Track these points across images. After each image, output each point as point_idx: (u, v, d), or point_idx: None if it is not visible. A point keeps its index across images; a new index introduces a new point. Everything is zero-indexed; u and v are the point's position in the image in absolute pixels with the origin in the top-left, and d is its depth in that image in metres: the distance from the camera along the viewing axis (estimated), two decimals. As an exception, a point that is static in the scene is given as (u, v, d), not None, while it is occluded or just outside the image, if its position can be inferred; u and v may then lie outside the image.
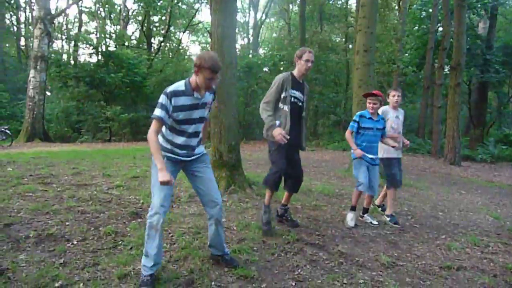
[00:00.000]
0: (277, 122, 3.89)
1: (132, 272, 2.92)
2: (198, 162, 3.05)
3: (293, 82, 3.99)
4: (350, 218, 4.63)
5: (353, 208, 4.70)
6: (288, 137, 3.71)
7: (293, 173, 4.14)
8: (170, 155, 2.93)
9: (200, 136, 3.04)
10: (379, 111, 4.78)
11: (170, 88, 2.78)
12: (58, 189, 5.15)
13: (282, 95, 3.95)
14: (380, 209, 5.33)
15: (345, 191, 6.73)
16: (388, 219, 4.89)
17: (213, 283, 2.88)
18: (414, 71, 19.03)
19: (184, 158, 2.97)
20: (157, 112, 2.73)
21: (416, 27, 19.03)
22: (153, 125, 2.74)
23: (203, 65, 2.71)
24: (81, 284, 2.71)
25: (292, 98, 3.96)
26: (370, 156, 4.56)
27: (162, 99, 2.74)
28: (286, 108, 3.94)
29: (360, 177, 4.54)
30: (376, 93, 4.58)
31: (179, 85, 2.82)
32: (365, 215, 4.87)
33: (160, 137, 2.89)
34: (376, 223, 4.72)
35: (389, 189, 4.97)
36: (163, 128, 2.88)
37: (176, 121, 2.83)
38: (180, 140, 2.90)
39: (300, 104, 4.06)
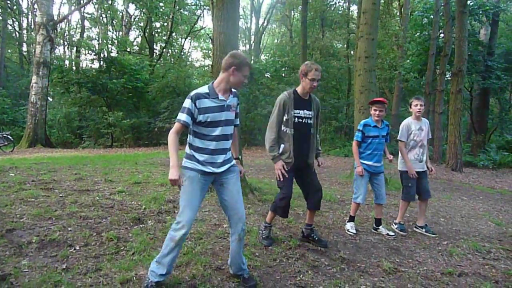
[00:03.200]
0: (281, 147, 3.76)
1: (134, 278, 2.92)
2: (228, 173, 2.97)
3: (296, 102, 3.77)
4: (350, 227, 4.64)
5: (351, 219, 4.71)
6: (287, 169, 3.68)
7: (310, 191, 3.92)
8: (199, 167, 2.84)
9: (230, 142, 2.99)
10: (401, 126, 4.79)
11: (193, 92, 2.81)
12: (60, 195, 5.16)
13: (284, 118, 3.74)
14: (424, 230, 4.87)
15: (346, 197, 6.73)
16: (396, 226, 4.88)
17: (215, 288, 2.89)
18: (416, 77, 19.02)
19: (215, 169, 2.87)
20: (181, 116, 2.74)
21: (418, 33, 19.06)
22: (175, 127, 2.76)
23: (244, 61, 2.81)
24: (84, 289, 2.72)
25: (296, 119, 3.75)
26: (376, 164, 4.53)
27: (186, 103, 2.74)
28: (289, 131, 3.73)
29: (359, 190, 4.54)
30: (382, 100, 4.52)
31: (203, 88, 2.85)
32: (380, 227, 4.72)
33: (191, 151, 2.87)
34: (393, 234, 4.58)
35: (403, 200, 4.89)
36: (191, 139, 2.87)
37: (203, 124, 2.80)
38: (210, 144, 2.84)
39: (307, 121, 3.82)
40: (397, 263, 3.72)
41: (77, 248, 3.43)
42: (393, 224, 4.96)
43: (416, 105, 4.74)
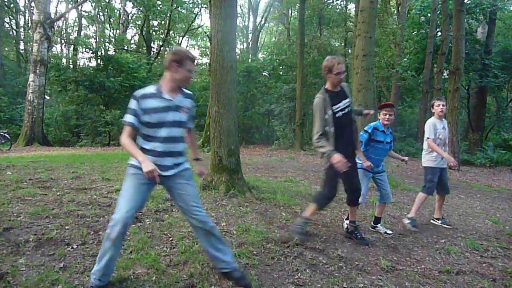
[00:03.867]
0: (331, 148, 3.75)
1: (132, 276, 2.91)
2: (179, 178, 2.82)
3: (331, 99, 3.79)
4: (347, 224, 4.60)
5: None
6: (350, 165, 3.67)
7: (351, 186, 3.99)
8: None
9: (180, 145, 2.82)
10: (427, 125, 4.89)
11: (138, 91, 2.72)
12: (58, 193, 5.15)
13: (326, 118, 3.76)
14: (440, 222, 5.23)
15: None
16: (408, 221, 4.94)
17: (213, 287, 2.88)
18: (413, 76, 19.08)
19: (162, 172, 2.67)
20: (127, 117, 2.65)
21: (415, 32, 19.11)
22: (124, 130, 2.65)
23: (186, 56, 2.69)
24: (81, 288, 2.71)
25: (339, 113, 3.79)
26: (375, 169, 4.51)
27: (131, 103, 2.66)
28: (329, 129, 3.76)
29: (361, 189, 4.46)
30: (391, 104, 4.58)
31: (149, 88, 2.76)
32: (378, 225, 4.72)
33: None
34: (391, 232, 4.60)
35: (424, 193, 5.01)
36: (139, 140, 2.75)
37: (148, 125, 2.68)
38: (157, 147, 2.70)
39: (348, 110, 3.86)
40: (395, 261, 3.73)
41: (75, 246, 3.42)
42: (405, 219, 5.03)
43: (439, 105, 4.94)
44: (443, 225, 5.13)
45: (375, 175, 4.58)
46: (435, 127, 4.92)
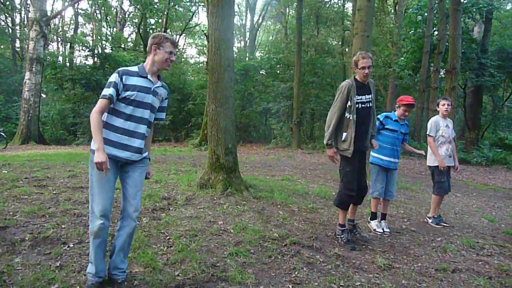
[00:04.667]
0: (343, 135, 3.86)
1: (129, 275, 2.91)
2: (138, 163, 2.80)
3: (357, 88, 3.88)
4: (376, 225, 4.66)
5: (373, 216, 4.73)
6: (337, 161, 3.86)
7: (359, 185, 4.00)
8: (115, 152, 2.64)
9: (148, 130, 2.80)
10: (429, 122, 5.02)
11: (122, 68, 2.71)
12: (54, 192, 5.13)
13: (348, 104, 3.84)
14: (430, 221, 5.27)
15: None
16: (430, 220, 5.11)
17: (209, 283, 2.88)
18: (410, 75, 19.11)
19: (129, 154, 2.69)
20: (106, 91, 2.59)
21: (412, 31, 19.14)
22: (99, 104, 2.58)
23: (163, 38, 2.73)
24: (78, 287, 2.70)
25: (359, 105, 3.87)
26: (391, 159, 4.56)
27: (112, 77, 2.63)
28: (351, 117, 3.84)
29: (377, 185, 4.58)
30: (413, 104, 4.64)
31: (132, 67, 2.77)
32: (382, 222, 4.75)
33: (105, 131, 2.64)
34: (388, 230, 4.63)
35: (436, 195, 5.11)
36: (107, 117, 2.67)
37: (127, 101, 2.65)
38: (129, 125, 2.67)
39: (368, 105, 3.95)
40: (391, 259, 3.74)
41: (71, 245, 3.41)
42: (427, 218, 5.16)
43: (444, 104, 5.04)
44: (432, 224, 5.12)
45: (388, 172, 4.62)
46: (437, 125, 5.02)
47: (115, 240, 2.79)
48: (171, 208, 4.80)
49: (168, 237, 3.80)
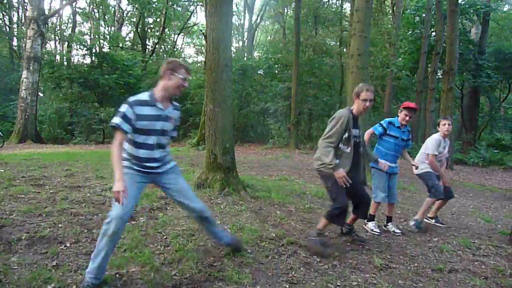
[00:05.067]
0: (337, 161, 3.62)
1: (126, 275, 2.90)
2: (168, 174, 2.98)
3: (353, 121, 3.75)
4: (373, 226, 4.65)
5: (372, 218, 4.69)
6: (351, 182, 3.55)
7: (361, 201, 3.92)
8: (137, 167, 2.83)
9: (167, 150, 2.98)
10: (432, 140, 4.91)
11: (132, 98, 2.77)
12: (51, 191, 5.12)
13: (345, 136, 3.67)
14: (434, 221, 5.32)
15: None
16: (412, 223, 4.92)
17: (207, 283, 2.88)
18: (408, 75, 19.18)
19: (152, 170, 2.87)
20: (119, 121, 2.65)
21: (410, 32, 19.18)
22: (117, 138, 2.67)
23: (178, 64, 2.82)
24: (74, 286, 2.70)
25: (352, 138, 3.71)
26: (391, 164, 4.49)
27: (124, 108, 2.68)
28: (348, 149, 3.71)
29: (379, 189, 4.57)
30: (416, 108, 4.62)
31: (142, 95, 2.82)
32: (389, 224, 4.80)
33: (124, 156, 2.80)
34: (399, 231, 4.64)
35: (432, 198, 4.94)
36: (126, 145, 2.81)
37: (137, 131, 2.74)
38: (141, 153, 2.80)
39: (359, 140, 3.84)
40: (388, 259, 3.75)
41: (68, 245, 3.40)
42: (410, 221, 5.00)
43: (445, 124, 4.96)
44: (413, 227, 4.89)
45: (389, 176, 4.60)
46: (439, 144, 4.93)
47: (208, 231, 3.34)
48: (168, 208, 4.80)
49: (165, 237, 3.79)
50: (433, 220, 5.29)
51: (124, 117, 2.66)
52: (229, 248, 3.43)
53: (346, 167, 3.64)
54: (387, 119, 4.71)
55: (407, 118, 4.54)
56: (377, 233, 4.55)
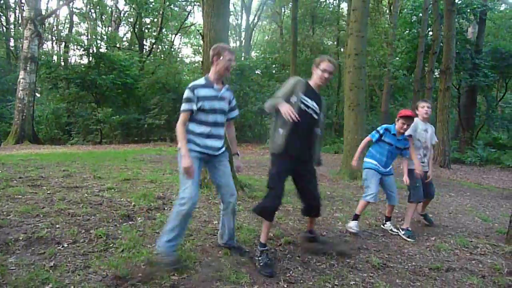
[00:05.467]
0: (280, 131, 3.36)
1: (124, 275, 2.90)
2: (221, 157, 3.35)
3: (307, 89, 3.43)
4: (354, 225, 4.46)
5: (356, 217, 4.51)
6: (297, 116, 3.14)
7: (308, 194, 3.61)
8: (197, 149, 3.18)
9: (223, 130, 3.35)
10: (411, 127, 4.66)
11: (191, 83, 3.19)
12: (48, 192, 5.10)
13: (291, 99, 3.34)
14: (423, 218, 5.22)
15: (336, 193, 6.77)
16: (402, 232, 4.56)
17: (204, 283, 2.88)
18: (405, 75, 19.19)
19: (210, 152, 3.23)
20: (184, 106, 3.12)
21: (407, 31, 19.21)
22: (181, 118, 3.13)
23: (221, 48, 3.18)
24: (72, 287, 2.69)
25: (303, 106, 3.35)
26: (381, 167, 4.45)
27: (187, 93, 3.12)
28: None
29: (371, 188, 4.40)
30: (413, 116, 4.46)
31: (199, 80, 3.23)
32: (387, 223, 4.75)
33: (189, 136, 3.18)
34: (396, 231, 4.59)
35: (410, 202, 4.67)
36: (189, 125, 3.20)
37: (200, 111, 3.16)
38: (202, 129, 3.19)
39: (314, 116, 3.42)
40: (385, 258, 3.76)
41: (65, 245, 3.39)
42: (400, 230, 4.64)
43: (423, 106, 4.77)
44: (404, 237, 4.50)
45: (383, 176, 4.51)
46: (416, 127, 4.66)
47: (223, 220, 3.47)
48: (166, 208, 4.80)
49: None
50: (422, 217, 5.23)
51: (189, 100, 3.12)
52: (229, 249, 3.54)
53: (284, 139, 3.32)
54: (384, 126, 4.56)
55: (405, 126, 4.36)
56: (354, 231, 4.41)
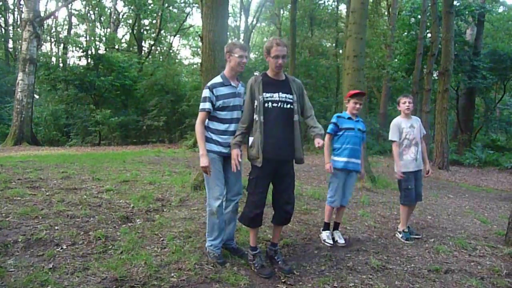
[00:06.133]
0: (250, 140, 3.23)
1: (122, 276, 2.90)
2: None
3: (265, 84, 3.22)
4: (326, 237, 4.15)
5: (326, 227, 4.25)
6: (240, 161, 3.17)
7: (281, 198, 3.34)
8: (217, 149, 3.29)
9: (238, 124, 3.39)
10: (391, 126, 4.53)
11: (210, 82, 3.31)
12: (47, 193, 5.10)
13: (255, 104, 3.19)
14: (401, 235, 4.57)
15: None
16: (400, 235, 4.49)
17: (203, 285, 2.88)
18: (403, 77, 19.23)
19: (227, 152, 3.29)
20: (203, 105, 3.24)
21: (405, 33, 19.25)
22: (200, 117, 3.25)
23: (232, 46, 3.31)
24: (71, 289, 2.69)
25: (269, 104, 3.17)
26: (354, 160, 4.11)
27: (205, 92, 3.24)
28: (259, 118, 3.15)
29: (337, 193, 4.14)
30: (362, 93, 4.31)
31: (216, 79, 3.35)
32: (334, 232, 4.28)
33: (210, 134, 3.31)
34: (343, 242, 4.13)
35: (402, 204, 4.55)
36: (209, 123, 3.32)
37: (219, 109, 3.26)
38: (223, 126, 3.29)
39: (287, 106, 3.21)
40: (385, 260, 3.76)
41: (64, 247, 3.39)
42: (397, 233, 4.55)
43: (404, 102, 4.52)
44: (402, 240, 4.43)
45: (348, 174, 4.20)
46: (399, 127, 4.48)
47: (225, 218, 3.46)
48: (165, 210, 4.79)
49: (162, 239, 3.79)
50: (401, 235, 4.59)
51: (207, 100, 3.23)
52: (228, 251, 3.58)
53: (259, 142, 3.13)
54: (335, 114, 4.28)
55: (357, 106, 4.14)
56: (329, 245, 4.04)
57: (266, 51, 3.25)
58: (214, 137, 3.31)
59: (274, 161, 3.19)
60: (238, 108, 3.36)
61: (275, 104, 3.19)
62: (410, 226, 4.80)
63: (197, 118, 3.28)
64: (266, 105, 3.17)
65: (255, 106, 3.19)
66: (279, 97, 3.20)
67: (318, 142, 3.17)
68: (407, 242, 4.38)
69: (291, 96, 3.25)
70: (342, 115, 4.28)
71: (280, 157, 3.21)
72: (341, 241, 4.15)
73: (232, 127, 3.32)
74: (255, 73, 22.17)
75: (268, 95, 3.19)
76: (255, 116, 3.18)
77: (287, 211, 3.33)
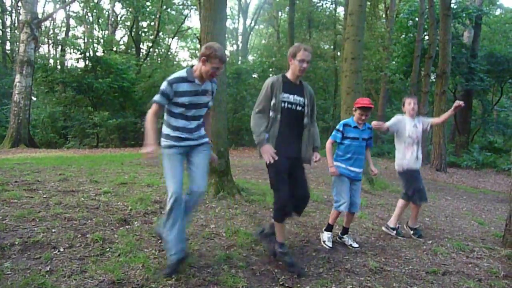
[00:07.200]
0: (266, 136, 3.35)
1: (120, 279, 2.89)
2: (199, 146, 3.27)
3: (285, 85, 3.41)
4: (327, 238, 4.14)
5: (329, 228, 4.21)
6: (276, 158, 3.24)
7: (296, 194, 3.46)
8: (176, 143, 3.14)
9: (201, 121, 3.29)
10: (394, 120, 4.59)
11: (172, 76, 3.09)
12: (44, 196, 5.08)
13: (272, 102, 3.37)
14: (412, 232, 4.75)
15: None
16: (412, 232, 4.64)
17: (201, 287, 2.88)
18: (401, 79, 19.29)
19: (189, 142, 3.18)
20: (157, 97, 3.06)
21: (403, 36, 19.33)
22: (152, 108, 3.08)
23: (213, 54, 2.98)
24: (68, 291, 2.68)
25: (285, 104, 3.38)
26: (356, 169, 4.14)
27: (163, 85, 3.04)
28: (275, 116, 3.38)
29: (342, 197, 4.09)
30: (371, 107, 4.13)
31: (181, 72, 3.12)
32: (344, 236, 4.27)
33: (167, 130, 3.17)
34: (357, 245, 4.15)
35: (417, 204, 4.62)
36: (167, 117, 3.18)
37: (179, 105, 3.09)
38: (180, 123, 3.14)
39: (299, 109, 3.45)
40: (383, 262, 3.76)
41: (61, 250, 3.37)
42: (409, 230, 4.69)
43: (410, 103, 4.58)
44: (414, 237, 4.61)
45: (352, 182, 4.17)
46: (402, 123, 4.57)
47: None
48: (163, 212, 4.78)
49: (159, 241, 3.78)
50: (394, 232, 4.74)
51: (163, 94, 3.04)
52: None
53: (276, 139, 3.36)
54: (342, 122, 4.30)
55: (363, 117, 4.10)
56: (328, 247, 4.04)
57: (291, 55, 3.43)
58: (171, 133, 3.15)
59: (290, 158, 3.40)
60: (198, 106, 3.17)
61: (289, 106, 3.42)
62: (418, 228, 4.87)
63: (150, 108, 3.10)
64: (283, 105, 3.40)
65: (272, 104, 3.40)
66: (294, 99, 3.44)
67: (316, 156, 3.60)
68: (420, 239, 4.56)
69: (303, 100, 3.50)
70: (349, 123, 4.21)
71: (290, 154, 3.43)
72: (355, 244, 4.17)
73: (186, 123, 3.15)
74: (253, 76, 22.01)
75: (285, 95, 3.41)
76: (271, 113, 3.41)
77: (304, 202, 3.61)
